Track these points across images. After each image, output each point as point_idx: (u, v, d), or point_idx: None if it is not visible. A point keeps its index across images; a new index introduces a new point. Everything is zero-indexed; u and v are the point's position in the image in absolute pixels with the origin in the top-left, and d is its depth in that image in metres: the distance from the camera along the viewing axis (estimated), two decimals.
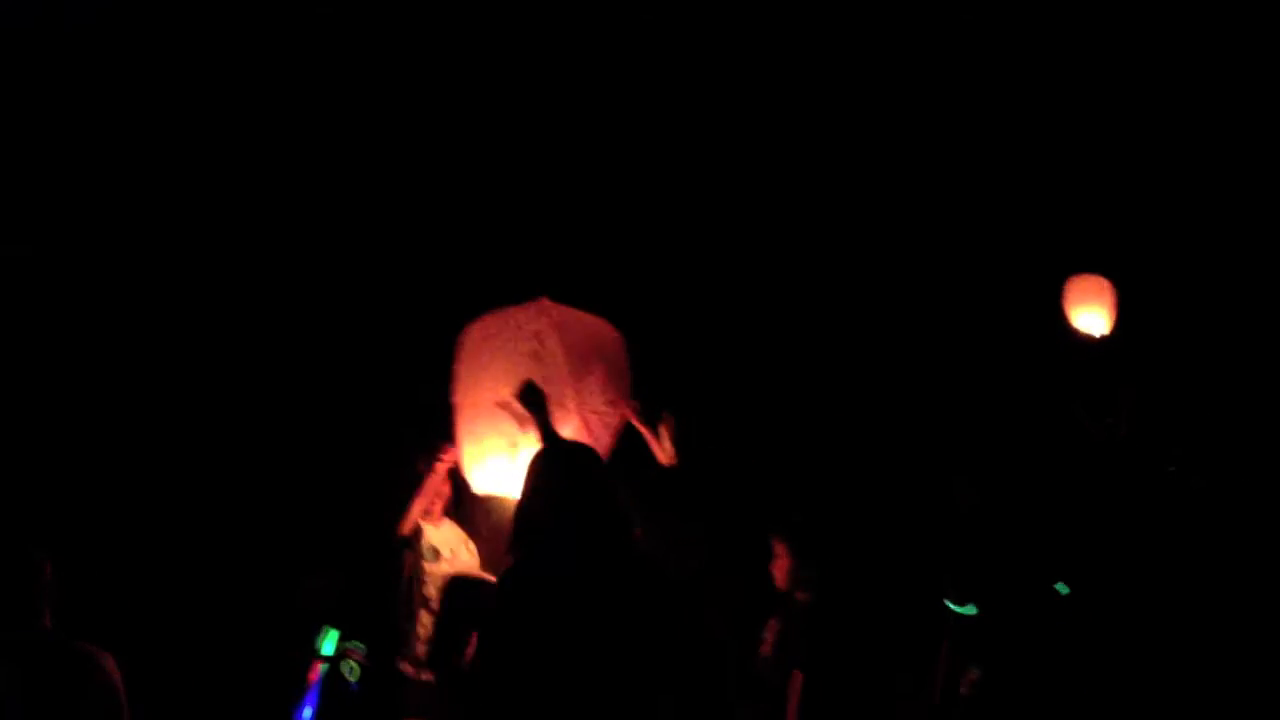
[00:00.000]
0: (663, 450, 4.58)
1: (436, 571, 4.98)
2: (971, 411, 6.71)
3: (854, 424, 6.90)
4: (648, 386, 4.76)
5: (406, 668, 4.84)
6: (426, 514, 4.96)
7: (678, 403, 4.51)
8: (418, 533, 4.98)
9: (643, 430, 4.69)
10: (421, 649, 4.84)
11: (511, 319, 4.64)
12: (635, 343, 4.79)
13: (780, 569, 4.84)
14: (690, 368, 6.42)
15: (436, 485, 4.85)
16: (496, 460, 4.45)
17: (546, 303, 4.68)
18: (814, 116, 6.89)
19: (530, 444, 4.31)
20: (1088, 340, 6.23)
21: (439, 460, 4.77)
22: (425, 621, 4.89)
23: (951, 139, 6.86)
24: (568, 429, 4.39)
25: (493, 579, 3.89)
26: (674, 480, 4.42)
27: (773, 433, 6.57)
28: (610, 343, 4.75)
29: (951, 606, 4.85)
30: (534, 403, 4.27)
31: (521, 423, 4.33)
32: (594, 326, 4.75)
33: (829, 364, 7.06)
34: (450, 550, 5.10)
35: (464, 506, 5.07)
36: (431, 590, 4.94)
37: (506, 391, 4.37)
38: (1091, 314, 6.19)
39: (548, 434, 4.17)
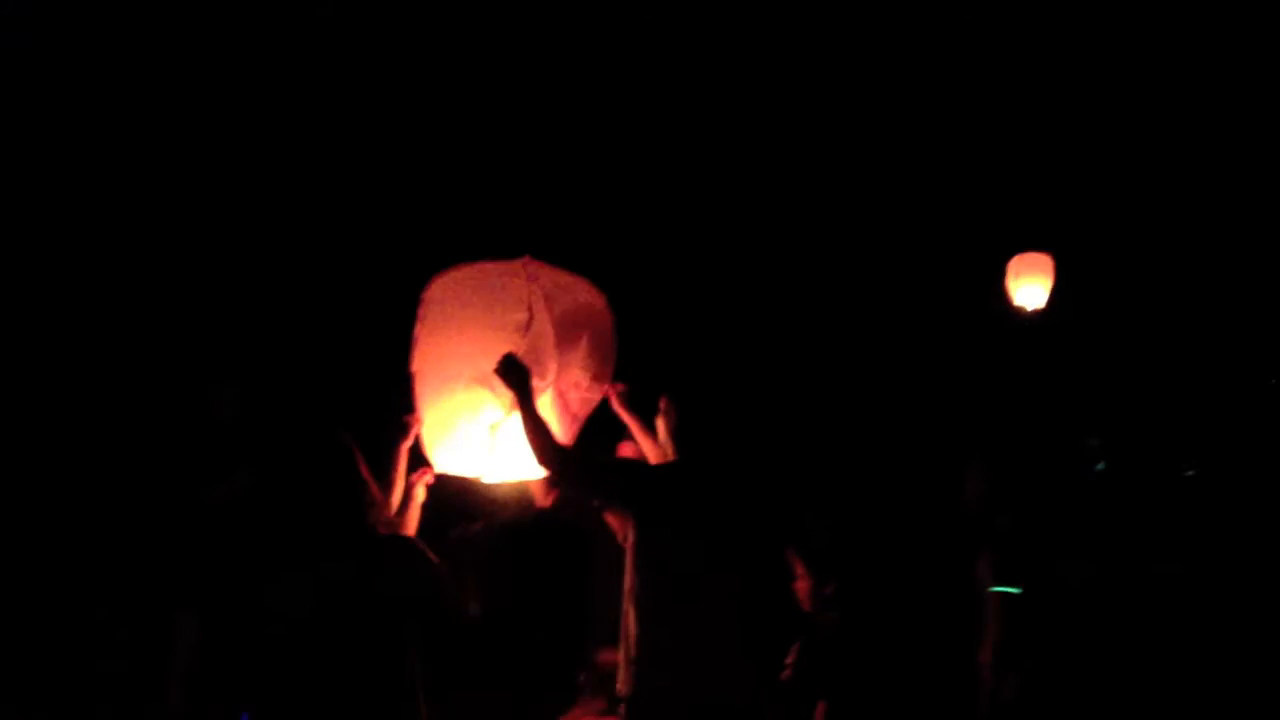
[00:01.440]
0: (654, 445, 4.02)
1: None
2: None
3: (859, 418, 6.48)
4: (641, 368, 4.28)
5: None
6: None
7: (674, 389, 3.95)
8: None
9: (628, 419, 4.17)
10: None
11: (491, 279, 4.09)
12: (625, 314, 4.31)
13: (802, 589, 4.33)
14: (686, 347, 6.00)
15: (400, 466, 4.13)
16: (466, 439, 3.98)
17: (531, 264, 4.12)
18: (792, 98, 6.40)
19: (510, 424, 3.88)
20: (1027, 315, 6.36)
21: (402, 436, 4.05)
22: None
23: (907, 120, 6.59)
24: (542, 401, 3.93)
25: None
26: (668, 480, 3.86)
27: (781, 428, 6.11)
28: (597, 312, 4.24)
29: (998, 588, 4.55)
30: (517, 379, 3.79)
31: (503, 399, 3.89)
32: (582, 293, 4.23)
33: (830, 354, 6.66)
34: None
35: None
36: None
37: (488, 364, 3.86)
38: (1031, 287, 6.34)
39: (529, 414, 3.76)
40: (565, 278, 4.20)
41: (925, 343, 6.86)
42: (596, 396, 4.17)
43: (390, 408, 4.05)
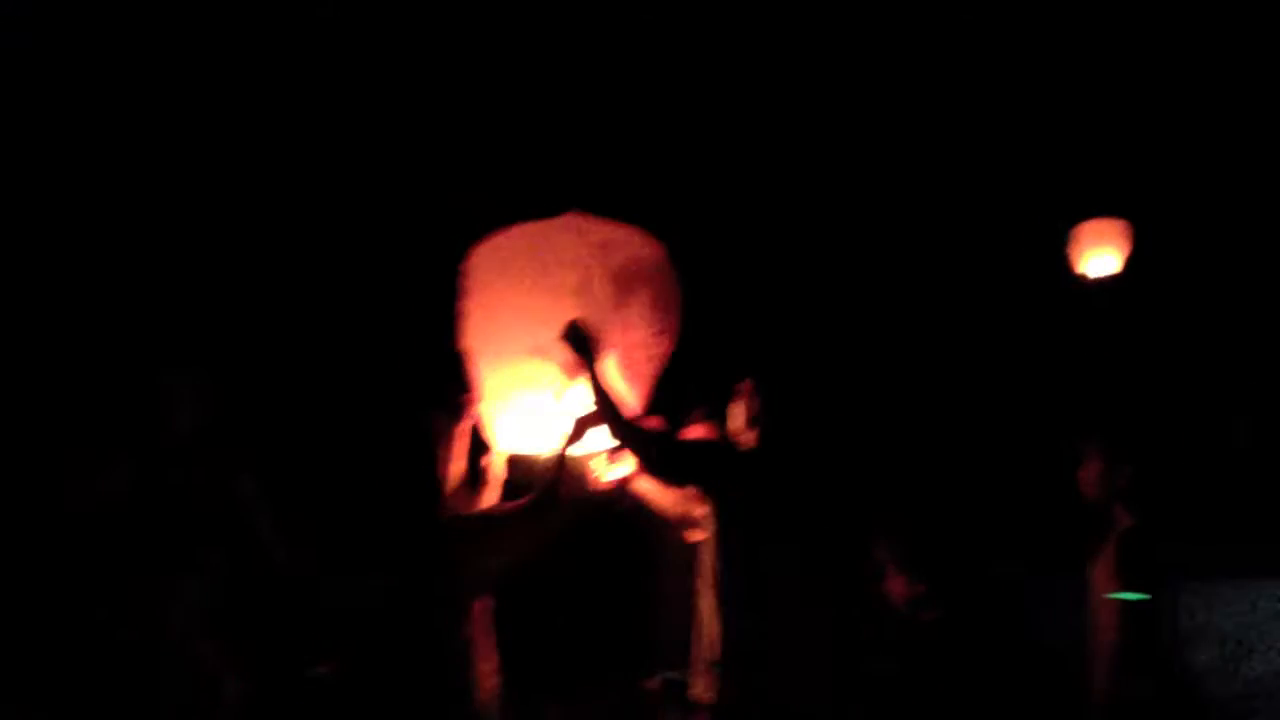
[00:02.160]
0: (736, 429, 3.64)
1: None
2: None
3: (957, 401, 6.01)
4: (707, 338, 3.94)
5: None
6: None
7: (757, 372, 3.60)
8: None
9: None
10: None
11: (537, 239, 3.74)
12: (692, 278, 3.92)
13: (895, 588, 3.91)
14: (761, 323, 5.62)
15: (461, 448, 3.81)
16: (529, 414, 3.67)
17: (578, 218, 3.78)
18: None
19: (576, 393, 3.57)
20: (1097, 283, 6.07)
21: (460, 417, 3.78)
22: None
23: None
24: (608, 365, 3.62)
25: None
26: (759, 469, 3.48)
27: (871, 414, 5.69)
28: (656, 264, 3.86)
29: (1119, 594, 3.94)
30: (584, 349, 3.49)
31: (567, 369, 3.56)
32: (636, 243, 3.85)
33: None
34: None
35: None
36: None
37: (546, 333, 3.53)
38: (1102, 256, 6.03)
39: (600, 386, 3.47)
40: (618, 230, 3.84)
41: (1025, 318, 6.46)
42: (664, 352, 3.81)
43: (443, 389, 3.75)
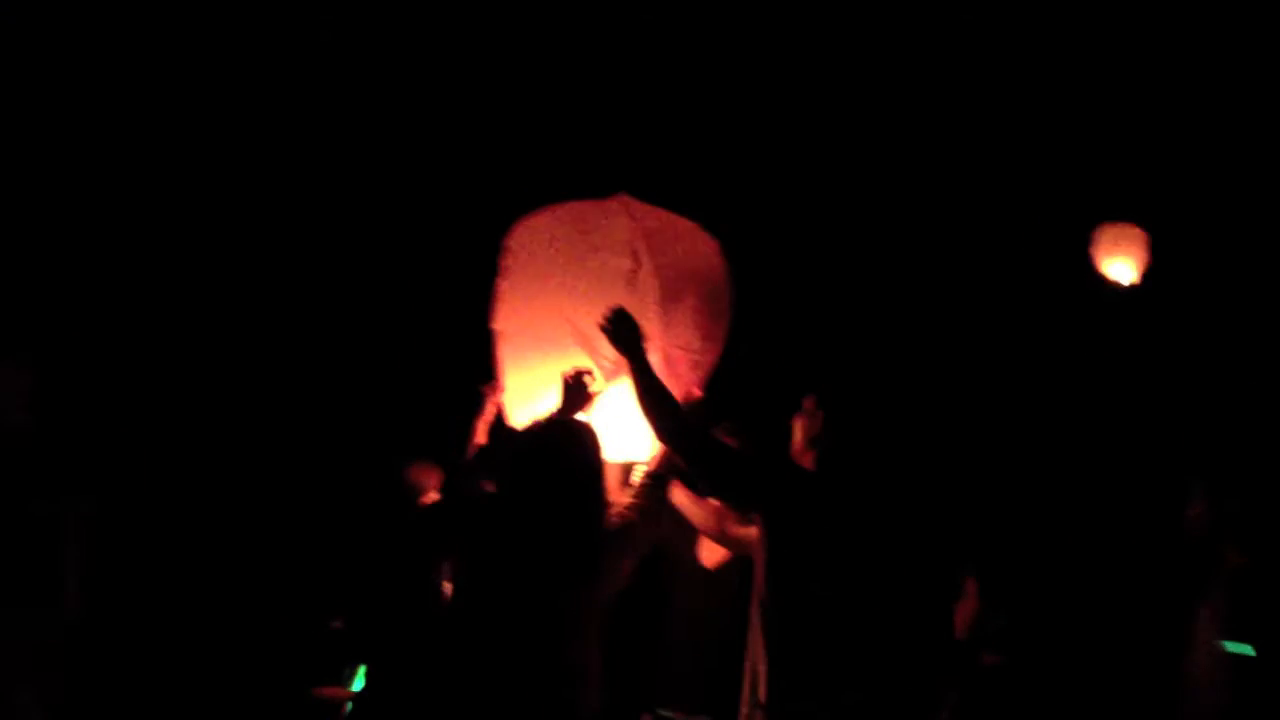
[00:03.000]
0: (796, 447, 3.30)
1: None
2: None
3: (1048, 422, 5.62)
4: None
5: None
6: None
7: (823, 388, 3.25)
8: None
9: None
10: None
11: (587, 221, 3.41)
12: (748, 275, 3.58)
13: (964, 613, 3.54)
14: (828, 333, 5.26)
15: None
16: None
17: (628, 201, 3.45)
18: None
19: (618, 392, 3.21)
20: (1117, 289, 5.88)
21: (485, 403, 3.43)
22: None
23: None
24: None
25: None
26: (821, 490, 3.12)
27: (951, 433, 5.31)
28: (708, 261, 3.52)
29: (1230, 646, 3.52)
30: (629, 338, 3.10)
31: (604, 360, 3.20)
32: (690, 236, 3.52)
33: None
34: None
35: None
36: None
37: (587, 321, 3.19)
38: (1121, 262, 5.89)
39: (647, 380, 3.06)
40: (669, 220, 3.51)
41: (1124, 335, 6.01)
42: (710, 362, 3.46)
43: (465, 376, 3.43)
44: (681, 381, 3.39)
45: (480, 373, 3.39)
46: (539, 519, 2.89)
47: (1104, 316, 5.86)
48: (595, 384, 3.19)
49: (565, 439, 3.00)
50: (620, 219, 3.37)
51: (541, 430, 3.03)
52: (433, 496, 3.90)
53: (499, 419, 3.39)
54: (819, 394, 3.24)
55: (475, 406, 3.36)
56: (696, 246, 3.52)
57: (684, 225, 3.53)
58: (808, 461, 3.19)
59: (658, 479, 3.13)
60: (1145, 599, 3.93)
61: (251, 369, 5.31)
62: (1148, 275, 5.84)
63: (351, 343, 5.36)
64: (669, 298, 3.32)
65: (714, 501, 3.57)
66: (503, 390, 3.36)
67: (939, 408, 5.19)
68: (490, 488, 3.07)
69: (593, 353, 3.23)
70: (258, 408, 5.28)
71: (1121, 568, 4.24)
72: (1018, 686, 3.46)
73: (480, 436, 3.34)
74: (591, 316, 3.17)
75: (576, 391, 3.15)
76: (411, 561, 3.75)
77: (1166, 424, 5.37)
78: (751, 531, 3.31)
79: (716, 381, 3.44)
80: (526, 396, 3.32)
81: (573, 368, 3.18)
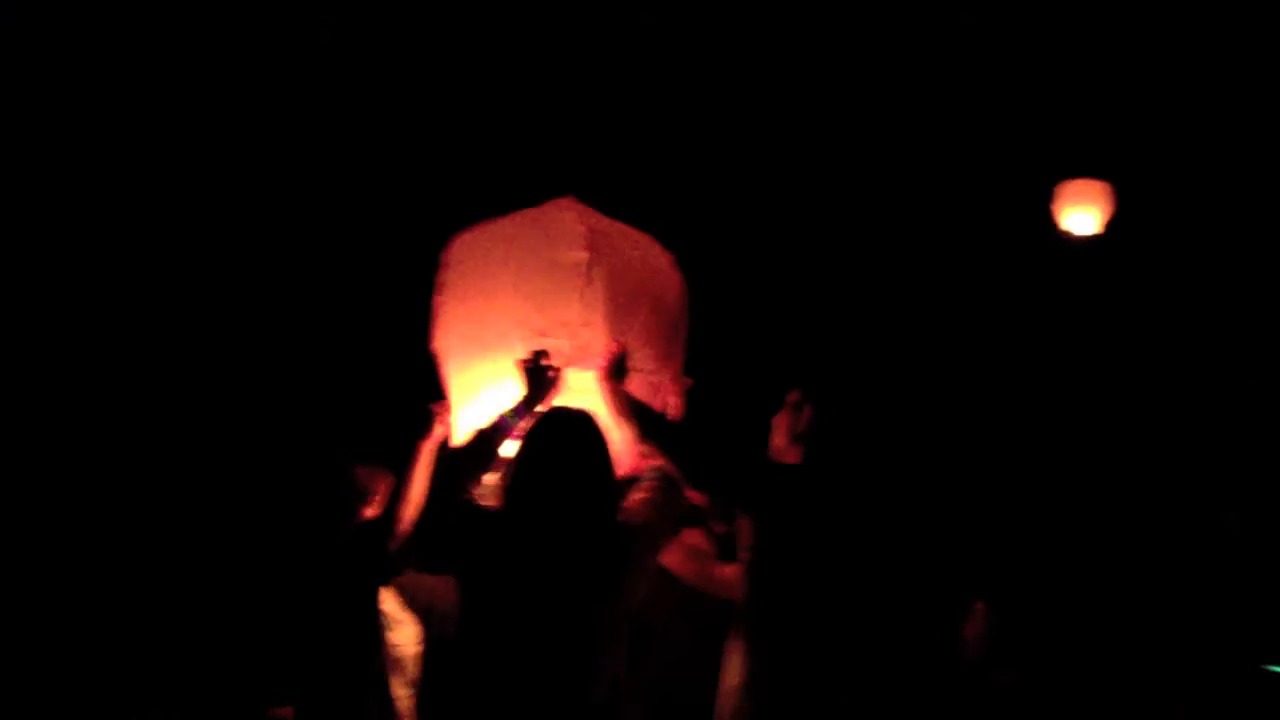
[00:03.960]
0: (779, 445, 3.10)
1: (396, 643, 3.67)
2: None
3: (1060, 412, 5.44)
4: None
5: None
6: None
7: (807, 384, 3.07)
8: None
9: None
10: None
11: (534, 223, 3.20)
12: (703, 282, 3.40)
13: (973, 632, 3.39)
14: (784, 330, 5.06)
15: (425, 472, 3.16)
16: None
17: (575, 204, 3.25)
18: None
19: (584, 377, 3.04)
20: (1077, 241, 5.82)
21: (432, 424, 3.20)
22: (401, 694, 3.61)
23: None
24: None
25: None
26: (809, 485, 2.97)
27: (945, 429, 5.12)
28: (662, 273, 3.31)
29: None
30: (620, 371, 2.99)
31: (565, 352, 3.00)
32: (641, 247, 3.31)
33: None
34: (393, 607, 3.70)
35: None
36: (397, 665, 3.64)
37: (542, 318, 3.02)
38: (1081, 215, 5.82)
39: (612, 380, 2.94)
40: (621, 228, 3.30)
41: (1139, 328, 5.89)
42: (667, 380, 3.24)
43: (404, 400, 3.21)
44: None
45: (431, 391, 3.18)
46: (555, 524, 2.68)
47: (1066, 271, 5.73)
48: (556, 360, 2.97)
49: (567, 431, 2.78)
50: (569, 214, 3.18)
51: (541, 424, 2.79)
52: (375, 510, 3.64)
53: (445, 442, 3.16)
54: (802, 388, 3.06)
55: (421, 427, 3.14)
56: (650, 258, 3.31)
57: (637, 235, 3.33)
58: (792, 458, 3.02)
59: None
60: (1173, 616, 3.83)
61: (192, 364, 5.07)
62: (1109, 227, 5.77)
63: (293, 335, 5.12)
64: (617, 310, 3.11)
65: (691, 541, 3.40)
66: (450, 410, 3.14)
67: (930, 398, 5.07)
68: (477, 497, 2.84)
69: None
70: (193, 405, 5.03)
71: (1149, 583, 4.11)
72: (1029, 708, 3.27)
73: (425, 459, 3.12)
74: (545, 313, 2.99)
75: (538, 375, 2.94)
76: (357, 580, 3.48)
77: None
78: (730, 571, 3.17)
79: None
80: (479, 416, 3.06)
81: (528, 351, 2.96)
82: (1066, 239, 5.76)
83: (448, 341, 3.16)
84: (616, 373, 3.00)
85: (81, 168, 5.02)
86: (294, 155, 5.12)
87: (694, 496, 3.02)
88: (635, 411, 2.92)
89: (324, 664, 3.48)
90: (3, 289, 4.94)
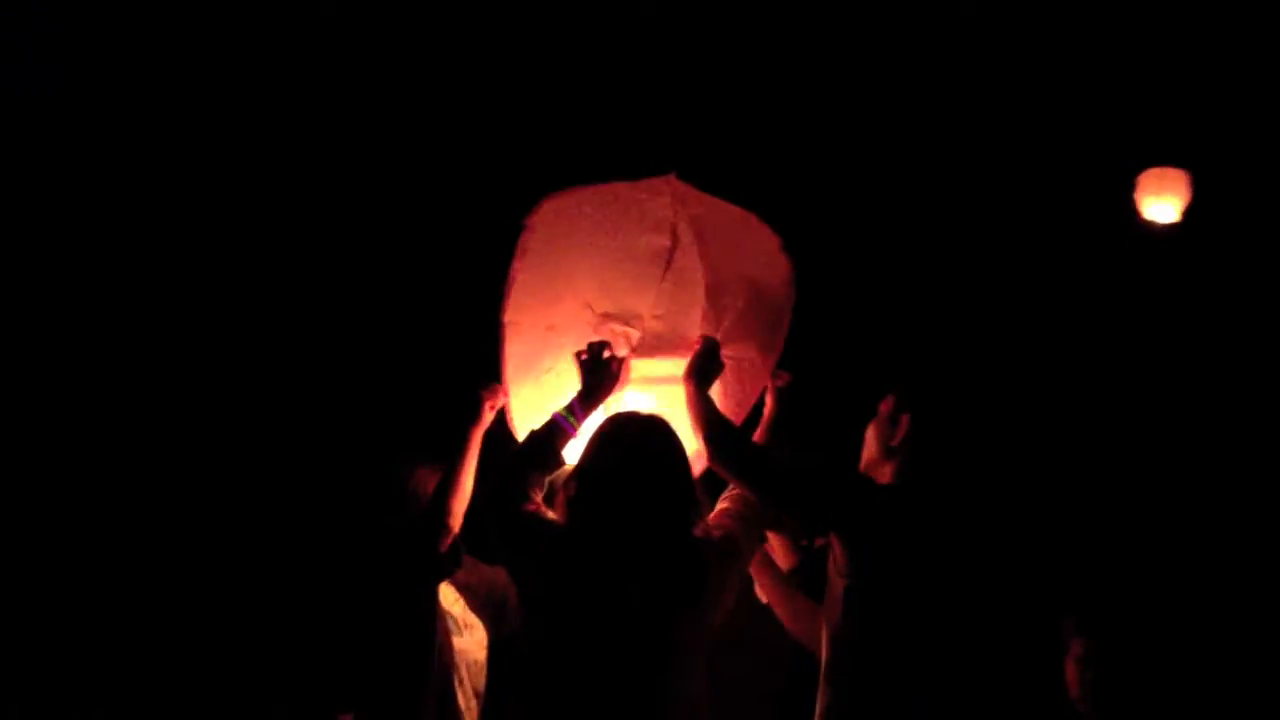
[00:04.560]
0: (871, 458, 2.72)
1: (464, 649, 3.28)
2: None
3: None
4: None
5: None
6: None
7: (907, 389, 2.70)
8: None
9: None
10: None
11: (622, 199, 2.88)
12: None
13: (1072, 672, 2.90)
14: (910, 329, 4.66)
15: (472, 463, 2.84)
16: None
17: (677, 184, 2.90)
18: None
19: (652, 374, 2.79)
20: (1157, 230, 5.57)
21: (483, 409, 2.87)
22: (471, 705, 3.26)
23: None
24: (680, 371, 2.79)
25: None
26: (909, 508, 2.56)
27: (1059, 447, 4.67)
28: (768, 258, 2.99)
29: None
30: (706, 370, 2.73)
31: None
32: (748, 231, 2.99)
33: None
34: (460, 611, 3.34)
35: None
36: (465, 672, 3.25)
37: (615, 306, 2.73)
38: (1162, 204, 5.60)
39: (709, 419, 2.65)
40: (725, 209, 2.97)
41: None
42: (764, 375, 2.91)
43: (460, 379, 2.86)
44: (733, 399, 2.90)
45: (481, 373, 2.80)
46: (626, 542, 2.44)
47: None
48: (620, 351, 2.70)
49: (642, 437, 2.52)
50: (662, 198, 2.85)
51: (610, 431, 2.54)
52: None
53: (501, 427, 2.81)
54: (898, 395, 2.68)
55: (471, 413, 2.78)
56: (755, 241, 2.99)
57: (740, 215, 2.99)
58: (884, 473, 2.65)
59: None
60: None
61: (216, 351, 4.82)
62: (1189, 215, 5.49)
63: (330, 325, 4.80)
64: (718, 294, 2.83)
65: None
66: (507, 394, 2.80)
67: (1039, 406, 4.66)
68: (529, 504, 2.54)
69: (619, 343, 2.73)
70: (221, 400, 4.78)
71: None
72: None
73: (474, 449, 2.76)
74: (615, 299, 2.70)
75: (597, 369, 2.65)
76: (407, 582, 3.12)
77: None
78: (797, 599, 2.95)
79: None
80: (536, 402, 2.77)
81: (582, 343, 2.68)
82: (1149, 228, 5.53)
83: (518, 316, 2.82)
84: (703, 371, 2.72)
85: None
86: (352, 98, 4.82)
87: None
88: (714, 427, 2.63)
89: (380, 672, 3.12)
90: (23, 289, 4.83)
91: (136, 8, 4.64)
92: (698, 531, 2.49)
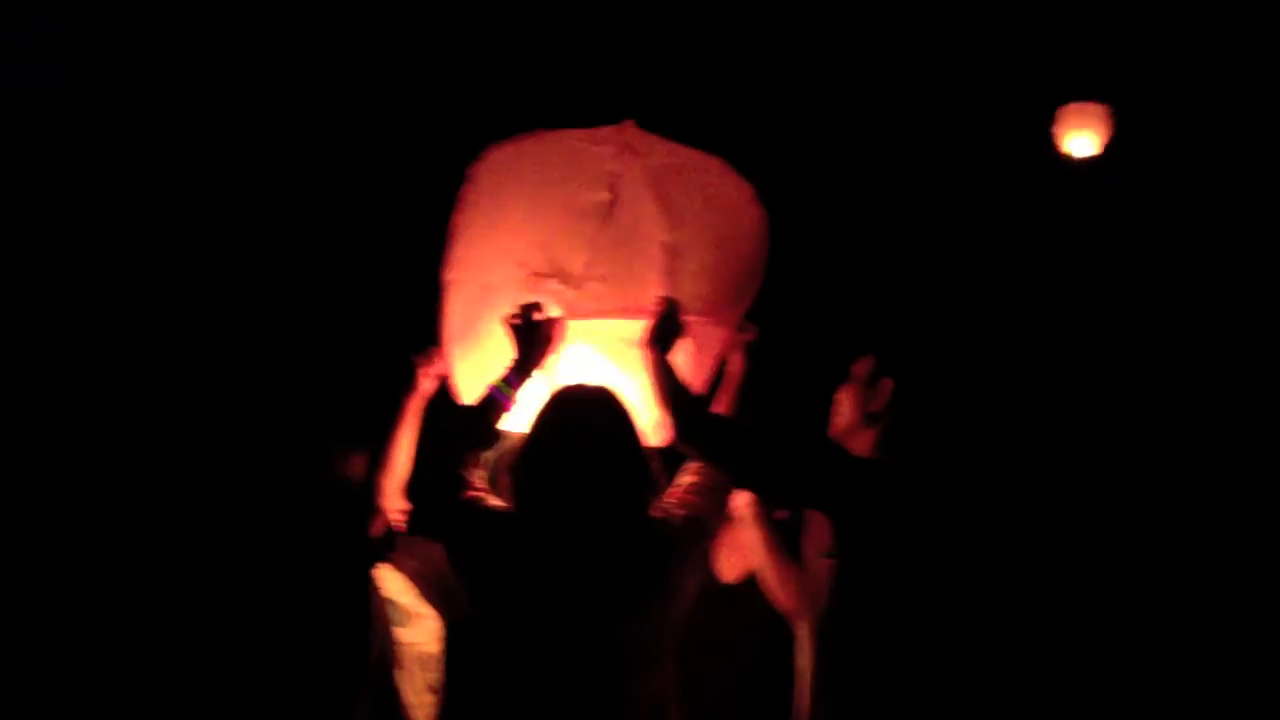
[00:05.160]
0: (846, 425, 2.51)
1: (413, 641, 3.00)
2: None
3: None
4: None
5: None
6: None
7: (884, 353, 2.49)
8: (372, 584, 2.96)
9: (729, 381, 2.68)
10: None
11: (573, 148, 2.67)
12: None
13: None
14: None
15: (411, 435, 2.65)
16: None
17: (634, 132, 2.68)
18: None
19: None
20: (1077, 163, 5.69)
21: (418, 378, 2.69)
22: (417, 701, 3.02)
23: None
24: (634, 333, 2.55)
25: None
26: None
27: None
28: (737, 206, 2.76)
29: None
30: (666, 335, 2.47)
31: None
32: (714, 176, 2.76)
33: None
34: (410, 600, 3.02)
35: None
36: (414, 666, 2.99)
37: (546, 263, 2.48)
38: (1082, 138, 5.76)
39: (672, 391, 2.40)
40: (690, 156, 2.74)
41: None
42: (728, 335, 2.68)
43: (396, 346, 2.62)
44: (698, 359, 2.64)
45: (414, 337, 2.57)
46: (575, 527, 2.22)
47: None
48: (552, 312, 2.46)
49: (588, 411, 2.31)
50: (606, 147, 2.62)
51: (553, 406, 2.31)
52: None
53: (443, 395, 2.57)
54: (875, 357, 2.49)
55: (405, 381, 2.54)
56: (723, 191, 2.75)
57: (708, 163, 2.76)
58: (859, 444, 2.45)
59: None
60: None
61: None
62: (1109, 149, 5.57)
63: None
64: (680, 251, 2.58)
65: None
66: (449, 360, 2.58)
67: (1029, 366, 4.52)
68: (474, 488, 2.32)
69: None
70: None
71: None
72: None
73: (410, 420, 2.52)
74: (549, 256, 2.47)
75: (529, 333, 2.41)
76: (337, 567, 2.89)
77: None
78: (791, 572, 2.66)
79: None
80: (483, 369, 2.50)
81: (514, 305, 2.44)
82: (1067, 161, 5.62)
83: (460, 274, 2.61)
84: (663, 336, 2.48)
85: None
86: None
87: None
88: (679, 401, 2.40)
89: (309, 665, 2.90)
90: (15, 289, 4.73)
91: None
92: (655, 512, 2.26)
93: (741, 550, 2.79)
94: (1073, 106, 5.69)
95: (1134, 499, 4.46)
